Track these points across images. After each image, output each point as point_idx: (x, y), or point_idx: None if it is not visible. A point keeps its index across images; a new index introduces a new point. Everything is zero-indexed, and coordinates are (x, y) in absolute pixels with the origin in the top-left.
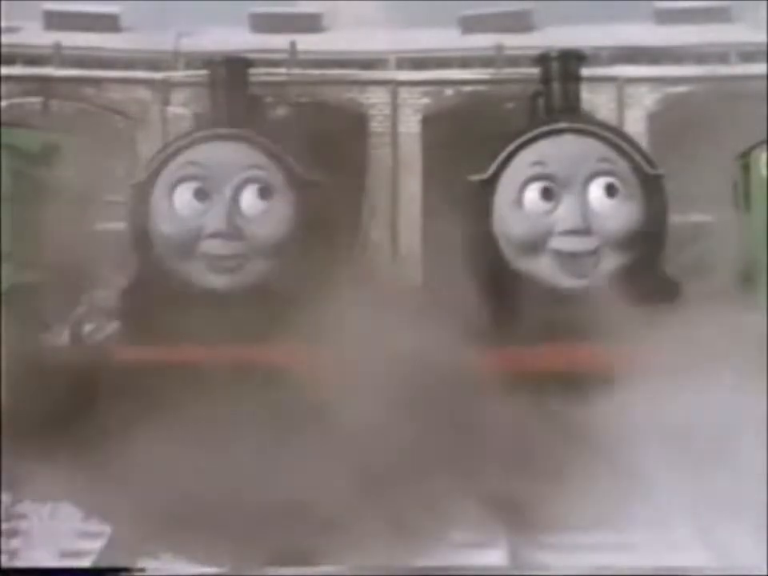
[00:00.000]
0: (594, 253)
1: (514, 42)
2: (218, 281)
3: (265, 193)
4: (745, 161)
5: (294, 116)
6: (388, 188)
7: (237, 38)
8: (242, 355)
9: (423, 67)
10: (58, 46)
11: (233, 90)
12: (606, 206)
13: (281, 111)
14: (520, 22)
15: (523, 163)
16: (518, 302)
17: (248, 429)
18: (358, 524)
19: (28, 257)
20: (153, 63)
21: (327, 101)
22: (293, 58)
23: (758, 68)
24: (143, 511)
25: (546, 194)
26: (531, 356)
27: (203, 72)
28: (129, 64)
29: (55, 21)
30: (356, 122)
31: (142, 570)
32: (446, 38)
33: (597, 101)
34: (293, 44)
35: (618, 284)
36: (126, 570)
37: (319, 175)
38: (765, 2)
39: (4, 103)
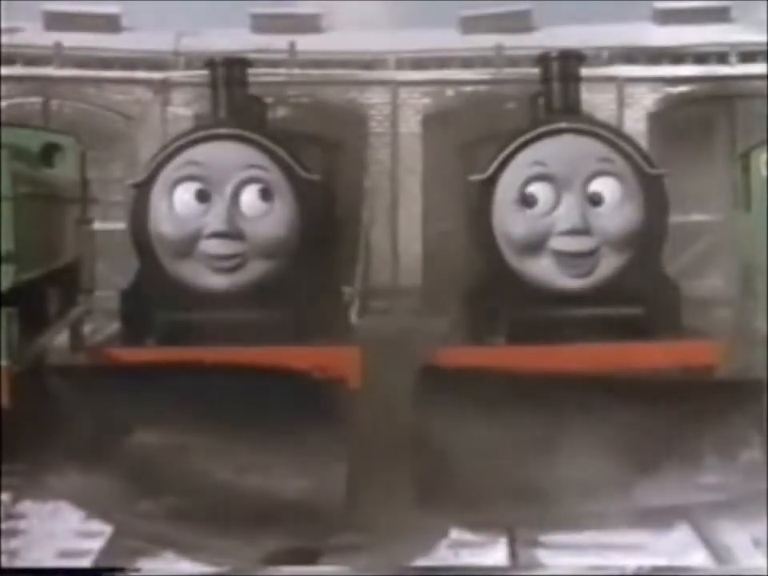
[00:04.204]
0: (593, 253)
1: (514, 42)
2: (217, 281)
3: (265, 193)
4: (745, 161)
5: (294, 116)
6: (388, 188)
7: (237, 38)
8: (243, 356)
9: (423, 67)
10: (58, 46)
11: (233, 90)
12: (605, 206)
13: (281, 111)
14: (520, 22)
15: (523, 163)
16: (518, 302)
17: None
18: None
19: (28, 257)
20: (153, 63)
21: (327, 101)
22: (293, 58)
23: (758, 68)
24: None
25: (546, 195)
26: (531, 356)
27: (203, 72)
28: (129, 64)
29: (55, 21)
30: (356, 122)
31: (138, 570)
32: (445, 38)
33: (597, 101)
34: (293, 44)
35: (617, 284)
36: (121, 569)
37: (319, 175)
38: (765, 2)
39: (4, 103)
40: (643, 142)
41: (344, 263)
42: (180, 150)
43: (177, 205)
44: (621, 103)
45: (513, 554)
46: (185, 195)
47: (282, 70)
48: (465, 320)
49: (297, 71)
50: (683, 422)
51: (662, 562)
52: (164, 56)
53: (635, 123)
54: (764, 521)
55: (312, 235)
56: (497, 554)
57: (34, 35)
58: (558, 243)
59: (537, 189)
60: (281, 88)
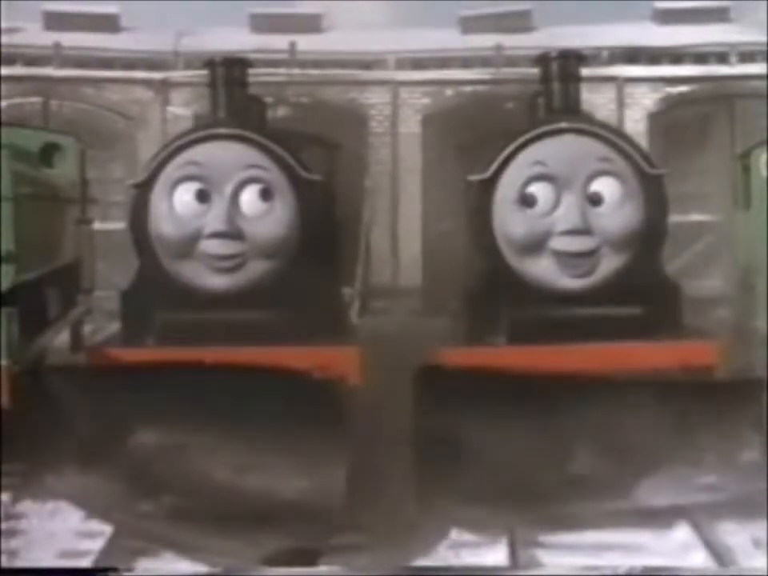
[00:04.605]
0: (593, 253)
1: (514, 42)
2: (217, 281)
3: (265, 193)
4: (745, 161)
5: (294, 116)
6: (388, 188)
7: (237, 38)
8: (243, 356)
9: (423, 67)
10: (58, 46)
11: (233, 90)
12: (605, 205)
13: (281, 111)
14: (520, 22)
15: (524, 163)
16: (518, 302)
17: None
18: None
19: (28, 257)
20: (153, 63)
21: (327, 101)
22: (293, 58)
23: (757, 68)
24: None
25: (546, 194)
26: (531, 356)
27: (203, 72)
28: (129, 64)
29: (55, 21)
30: (356, 122)
31: (130, 569)
32: (446, 38)
33: (597, 101)
34: (293, 44)
35: (617, 284)
36: (114, 569)
37: (319, 175)
38: (765, 2)
39: (4, 103)
40: (643, 142)
41: (344, 263)
42: (180, 149)
43: (177, 205)
44: (621, 103)
45: (513, 554)
46: (185, 195)
47: (282, 70)
48: (465, 320)
49: (297, 71)
50: (683, 421)
51: (662, 562)
52: (163, 56)
53: (635, 123)
54: (764, 521)
55: (312, 235)
56: (497, 554)
57: (34, 35)
58: (559, 243)
59: (537, 189)
60: (281, 88)
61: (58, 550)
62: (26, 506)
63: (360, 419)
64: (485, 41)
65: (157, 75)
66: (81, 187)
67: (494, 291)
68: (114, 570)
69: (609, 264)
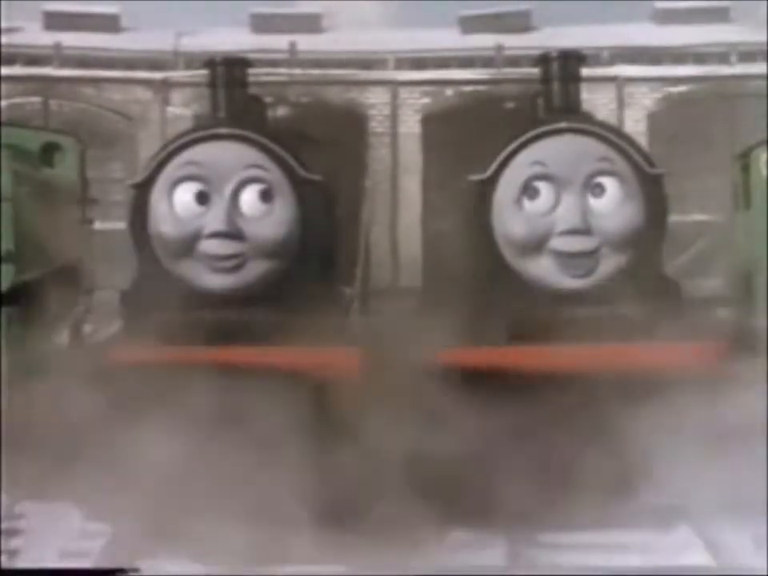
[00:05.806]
0: (593, 253)
1: (514, 42)
2: (217, 281)
3: (265, 193)
4: (745, 161)
5: (294, 116)
6: (388, 188)
7: (237, 38)
8: (243, 357)
9: (423, 67)
10: (58, 46)
11: (233, 90)
12: (605, 205)
13: (281, 111)
14: (520, 22)
15: (523, 163)
16: (518, 302)
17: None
18: None
19: (28, 257)
20: (153, 63)
21: (327, 101)
22: (293, 58)
23: (757, 68)
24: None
25: (546, 194)
26: (531, 356)
27: (203, 72)
28: (129, 64)
29: (55, 21)
30: (356, 122)
31: (137, 570)
32: (445, 38)
33: (597, 101)
34: (293, 44)
35: (617, 284)
36: (121, 570)
37: (319, 175)
38: (765, 2)
39: (4, 103)
40: (643, 142)
41: (344, 263)
42: (180, 149)
43: (176, 205)
44: (621, 103)
45: (513, 554)
46: (185, 195)
47: (282, 70)
48: (465, 320)
49: (297, 71)
50: (682, 421)
51: (662, 562)
52: (164, 56)
53: (635, 123)
54: (764, 521)
55: (312, 235)
56: (497, 554)
57: (34, 35)
58: (559, 243)
59: (536, 188)
60: (281, 88)
61: (58, 550)
62: (25, 506)
63: (360, 419)
64: (485, 41)
65: (157, 75)
66: (81, 187)
67: (494, 291)
68: (121, 570)
69: (609, 264)
